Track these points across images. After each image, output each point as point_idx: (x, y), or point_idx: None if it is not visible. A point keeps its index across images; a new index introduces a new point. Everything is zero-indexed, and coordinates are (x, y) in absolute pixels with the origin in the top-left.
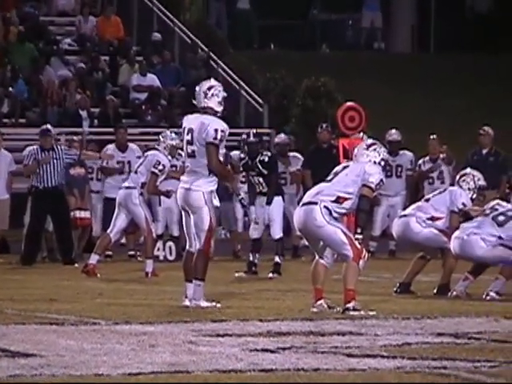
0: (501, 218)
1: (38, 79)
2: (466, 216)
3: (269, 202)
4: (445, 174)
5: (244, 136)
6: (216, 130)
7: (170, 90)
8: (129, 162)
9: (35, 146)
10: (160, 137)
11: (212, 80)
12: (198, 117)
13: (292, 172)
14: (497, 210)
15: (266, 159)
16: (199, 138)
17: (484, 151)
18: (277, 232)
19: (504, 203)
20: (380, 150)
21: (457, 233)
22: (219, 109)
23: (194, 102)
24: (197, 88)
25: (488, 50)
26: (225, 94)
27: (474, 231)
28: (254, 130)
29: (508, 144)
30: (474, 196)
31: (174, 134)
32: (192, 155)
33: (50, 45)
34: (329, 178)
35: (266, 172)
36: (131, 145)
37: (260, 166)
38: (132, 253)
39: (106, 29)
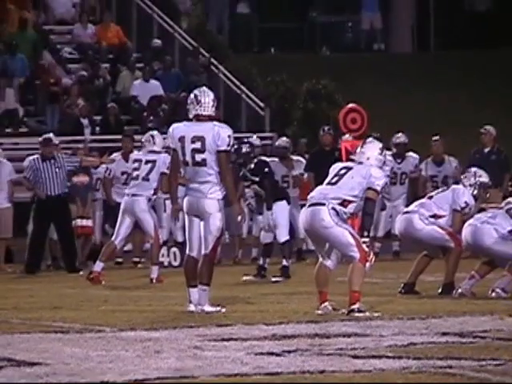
0: None
1: (39, 64)
2: (482, 212)
3: (268, 208)
4: (449, 180)
5: (235, 147)
6: (229, 137)
7: (171, 96)
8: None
9: (36, 156)
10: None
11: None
12: (203, 124)
13: (295, 176)
14: (511, 203)
15: (252, 166)
16: (213, 145)
17: (486, 150)
18: (283, 235)
19: None
20: (375, 143)
21: (470, 220)
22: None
23: (198, 109)
24: (200, 96)
25: (488, 48)
26: None
27: (488, 220)
28: (246, 139)
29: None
30: (476, 192)
31: None
32: (202, 164)
33: (53, 54)
34: (333, 180)
35: (256, 179)
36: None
37: (249, 175)
38: (136, 259)
39: (105, 36)
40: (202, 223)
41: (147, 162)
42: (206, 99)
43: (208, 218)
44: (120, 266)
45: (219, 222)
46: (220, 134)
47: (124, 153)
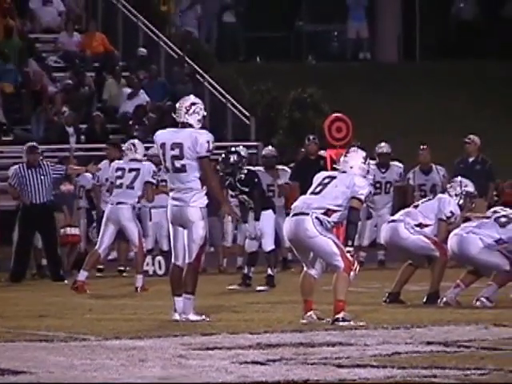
0: (503, 219)
1: (24, 73)
2: (467, 221)
3: (256, 218)
4: (437, 188)
5: (223, 156)
6: (208, 142)
7: (156, 105)
8: None
9: (20, 164)
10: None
11: (193, 97)
12: (182, 131)
13: (280, 185)
14: (499, 212)
15: (243, 177)
16: (191, 151)
17: (470, 159)
18: (268, 244)
19: (506, 208)
20: (358, 152)
21: (456, 230)
22: (197, 126)
23: (174, 115)
24: (178, 103)
25: (473, 57)
26: (204, 113)
27: (473, 230)
28: (233, 148)
29: (498, 150)
30: (461, 202)
31: None
32: (182, 170)
33: (38, 62)
34: (316, 189)
35: (246, 189)
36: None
37: (239, 185)
38: (121, 268)
39: (90, 45)
40: (185, 232)
41: (131, 170)
42: (179, 105)
43: (191, 227)
44: (102, 273)
45: (202, 230)
46: (198, 140)
47: (110, 161)
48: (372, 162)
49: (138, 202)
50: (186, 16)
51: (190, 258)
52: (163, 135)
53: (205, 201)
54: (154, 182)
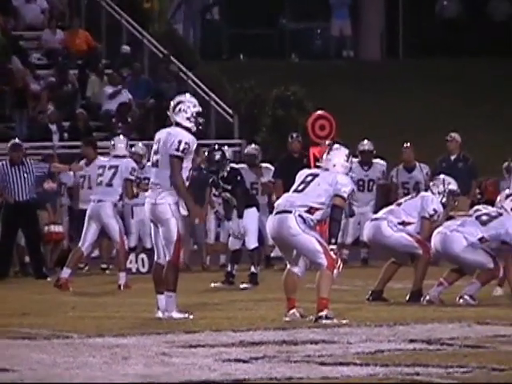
0: (484, 217)
1: (7, 70)
2: (450, 219)
3: (239, 215)
4: (420, 186)
5: (207, 154)
6: (180, 142)
7: (140, 103)
8: (89, 177)
9: (4, 162)
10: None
11: (186, 95)
12: (168, 129)
13: (263, 183)
14: (480, 210)
15: (225, 174)
16: (164, 148)
17: (452, 157)
18: (252, 242)
19: (488, 206)
20: (341, 150)
21: (440, 228)
22: (188, 125)
23: (169, 113)
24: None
25: (457, 55)
26: (195, 110)
27: (457, 228)
28: (216, 146)
29: (486, 149)
30: (444, 200)
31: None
32: (156, 164)
33: (22, 60)
34: (299, 187)
35: (229, 187)
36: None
37: (222, 183)
38: (104, 266)
39: (74, 42)
40: (161, 229)
41: (110, 167)
42: (171, 104)
43: (163, 224)
44: (84, 270)
45: (174, 227)
46: (170, 138)
47: (87, 159)
48: (354, 159)
49: (120, 200)
50: (179, 14)
51: (169, 256)
52: (158, 132)
53: (174, 197)
54: (133, 178)
